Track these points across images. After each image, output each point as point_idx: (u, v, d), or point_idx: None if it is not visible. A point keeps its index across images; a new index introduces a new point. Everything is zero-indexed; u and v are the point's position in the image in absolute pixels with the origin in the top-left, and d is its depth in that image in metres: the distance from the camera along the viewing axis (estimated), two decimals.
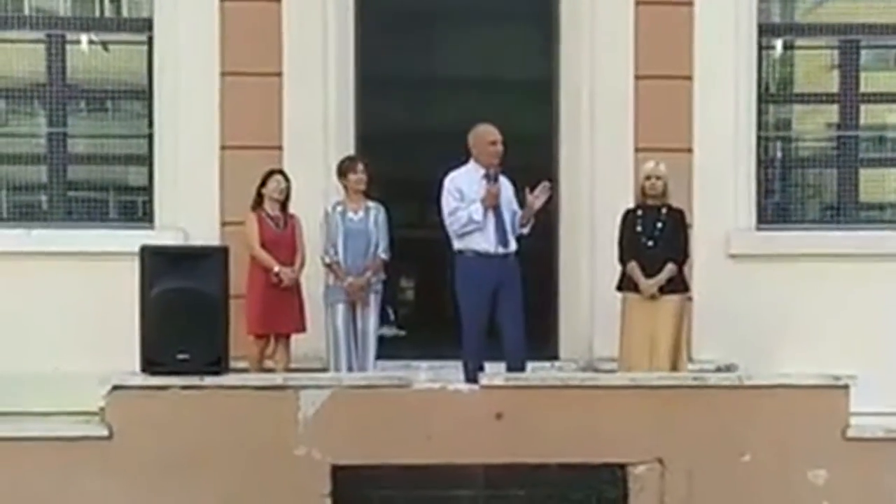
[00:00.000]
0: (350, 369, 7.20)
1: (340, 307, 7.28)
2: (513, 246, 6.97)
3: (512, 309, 6.85)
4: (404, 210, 7.91)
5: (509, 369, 6.72)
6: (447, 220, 6.93)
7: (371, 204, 7.39)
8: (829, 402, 6.09)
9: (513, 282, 6.90)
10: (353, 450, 5.95)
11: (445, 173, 7.02)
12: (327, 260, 7.32)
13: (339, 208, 7.37)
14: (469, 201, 6.88)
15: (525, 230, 7.05)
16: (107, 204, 8.35)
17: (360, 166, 7.36)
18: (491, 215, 6.87)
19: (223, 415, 5.93)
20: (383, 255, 7.34)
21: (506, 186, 7.02)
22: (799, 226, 8.23)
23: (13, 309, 7.60)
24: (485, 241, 6.87)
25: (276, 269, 7.16)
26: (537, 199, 6.94)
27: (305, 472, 5.92)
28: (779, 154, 8.48)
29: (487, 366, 6.69)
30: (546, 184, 6.99)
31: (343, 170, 7.39)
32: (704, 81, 7.93)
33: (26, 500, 5.88)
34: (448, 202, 6.92)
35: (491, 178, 6.93)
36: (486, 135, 6.99)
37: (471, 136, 7.03)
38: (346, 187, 7.40)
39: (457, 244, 6.96)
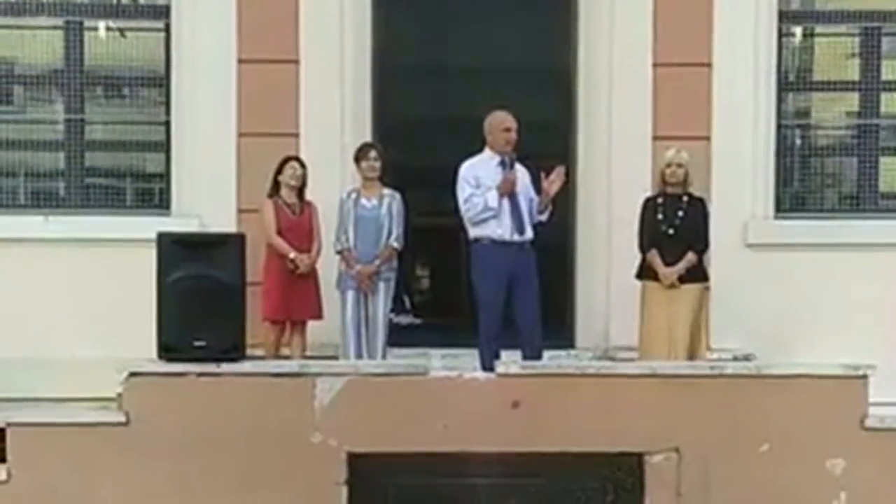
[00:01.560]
0: (359, 356, 7.19)
1: (350, 294, 7.26)
2: (529, 233, 6.94)
3: (528, 297, 6.82)
4: (420, 198, 7.88)
5: (525, 357, 6.71)
6: (463, 208, 6.90)
7: (387, 192, 7.35)
8: (847, 391, 6.05)
9: (529, 269, 6.87)
10: (368, 437, 5.95)
11: (462, 161, 7.00)
12: (338, 247, 7.30)
13: (354, 195, 7.35)
14: (485, 188, 6.85)
15: (543, 217, 7.02)
16: (124, 191, 8.35)
17: (373, 153, 7.33)
18: (507, 202, 6.84)
19: (239, 402, 5.93)
20: (395, 245, 7.29)
21: (522, 173, 6.99)
22: (818, 215, 8.17)
23: (30, 295, 7.63)
24: (500, 229, 6.84)
25: (293, 255, 7.16)
26: (553, 183, 6.91)
27: (321, 460, 5.92)
28: (798, 142, 8.42)
29: (503, 354, 6.66)
30: (560, 168, 6.95)
31: (357, 156, 7.37)
32: (723, 69, 7.88)
33: (43, 486, 5.90)
34: (463, 189, 6.89)
35: (507, 165, 6.90)
36: (500, 122, 6.96)
37: (486, 123, 7.01)
38: (361, 174, 7.39)
39: (472, 232, 6.93)
